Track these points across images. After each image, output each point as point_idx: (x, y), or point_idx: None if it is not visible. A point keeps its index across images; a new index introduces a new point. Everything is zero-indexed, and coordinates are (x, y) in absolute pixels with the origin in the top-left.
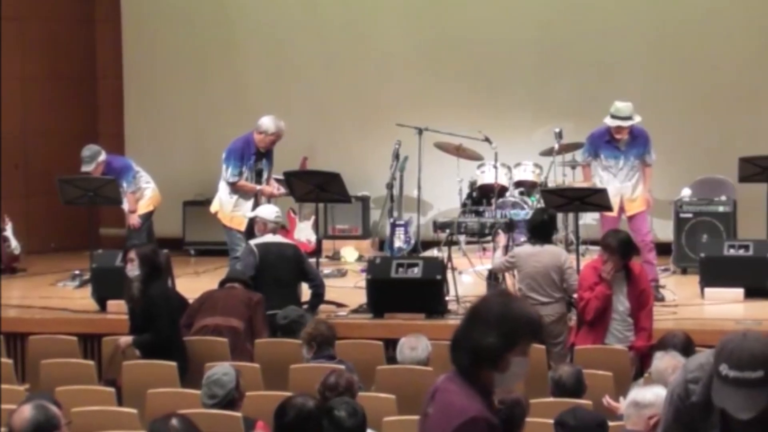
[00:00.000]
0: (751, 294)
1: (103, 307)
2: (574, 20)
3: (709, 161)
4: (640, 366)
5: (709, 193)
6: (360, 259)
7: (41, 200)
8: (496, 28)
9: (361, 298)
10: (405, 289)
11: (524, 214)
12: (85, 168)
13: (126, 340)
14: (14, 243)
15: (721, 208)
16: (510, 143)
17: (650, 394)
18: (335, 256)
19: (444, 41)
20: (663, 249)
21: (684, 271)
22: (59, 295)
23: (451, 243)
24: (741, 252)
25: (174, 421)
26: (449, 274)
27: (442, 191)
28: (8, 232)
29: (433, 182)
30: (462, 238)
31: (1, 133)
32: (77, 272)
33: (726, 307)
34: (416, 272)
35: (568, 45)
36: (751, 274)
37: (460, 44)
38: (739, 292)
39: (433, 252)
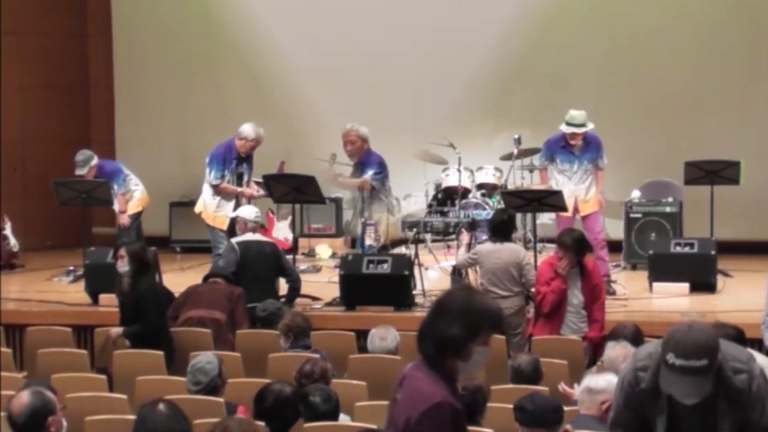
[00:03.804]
0: (696, 288)
1: (95, 301)
2: (532, 35)
3: (656, 165)
4: (593, 355)
5: (657, 195)
6: (333, 256)
7: (38, 201)
8: (461, 43)
9: (334, 291)
10: (375, 283)
11: (486, 214)
12: (78, 171)
13: (117, 330)
14: (13, 241)
15: (668, 209)
16: (473, 149)
17: (602, 381)
18: (311, 254)
19: (412, 56)
20: (614, 246)
21: (634, 267)
22: (55, 289)
23: (418, 241)
24: (686, 249)
25: (161, 406)
26: (416, 270)
27: (411, 193)
28: (7, 230)
29: (402, 184)
30: (428, 236)
31: (1, 138)
32: (71, 268)
33: (672, 300)
34: (386, 268)
35: (527, 58)
36: (696, 269)
37: (429, 59)
38: (685, 286)
39: (402, 249)
